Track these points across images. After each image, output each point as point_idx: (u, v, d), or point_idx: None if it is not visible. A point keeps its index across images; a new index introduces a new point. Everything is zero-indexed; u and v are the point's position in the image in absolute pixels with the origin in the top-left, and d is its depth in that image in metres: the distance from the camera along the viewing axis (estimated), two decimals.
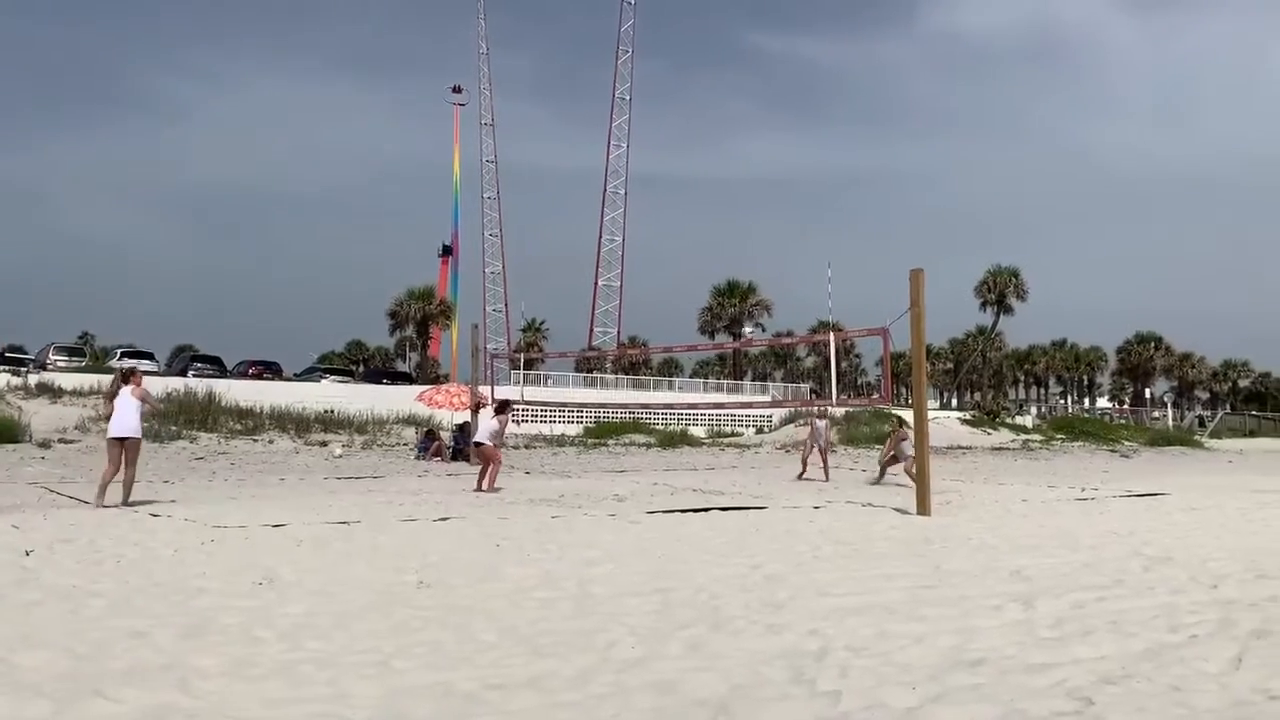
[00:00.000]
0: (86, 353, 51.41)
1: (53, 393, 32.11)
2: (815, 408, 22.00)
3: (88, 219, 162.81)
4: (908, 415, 15.74)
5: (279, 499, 13.20)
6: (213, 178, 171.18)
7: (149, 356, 47.65)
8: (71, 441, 25.64)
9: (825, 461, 19.11)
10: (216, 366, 45.18)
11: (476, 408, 16.26)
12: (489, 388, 18.21)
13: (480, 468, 15.29)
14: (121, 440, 11.64)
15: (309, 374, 50.95)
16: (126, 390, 11.88)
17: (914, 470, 17.10)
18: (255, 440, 28.79)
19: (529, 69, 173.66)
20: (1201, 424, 71.28)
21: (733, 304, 66.79)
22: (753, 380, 75.10)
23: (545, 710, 3.78)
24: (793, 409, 42.47)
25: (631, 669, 4.39)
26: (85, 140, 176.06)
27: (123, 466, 11.57)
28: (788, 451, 33.69)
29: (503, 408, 15.99)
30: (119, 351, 48.84)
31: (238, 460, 23.27)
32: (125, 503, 11.46)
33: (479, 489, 14.65)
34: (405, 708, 3.79)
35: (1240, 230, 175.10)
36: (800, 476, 18.74)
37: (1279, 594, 6.25)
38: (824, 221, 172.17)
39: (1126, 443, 43.81)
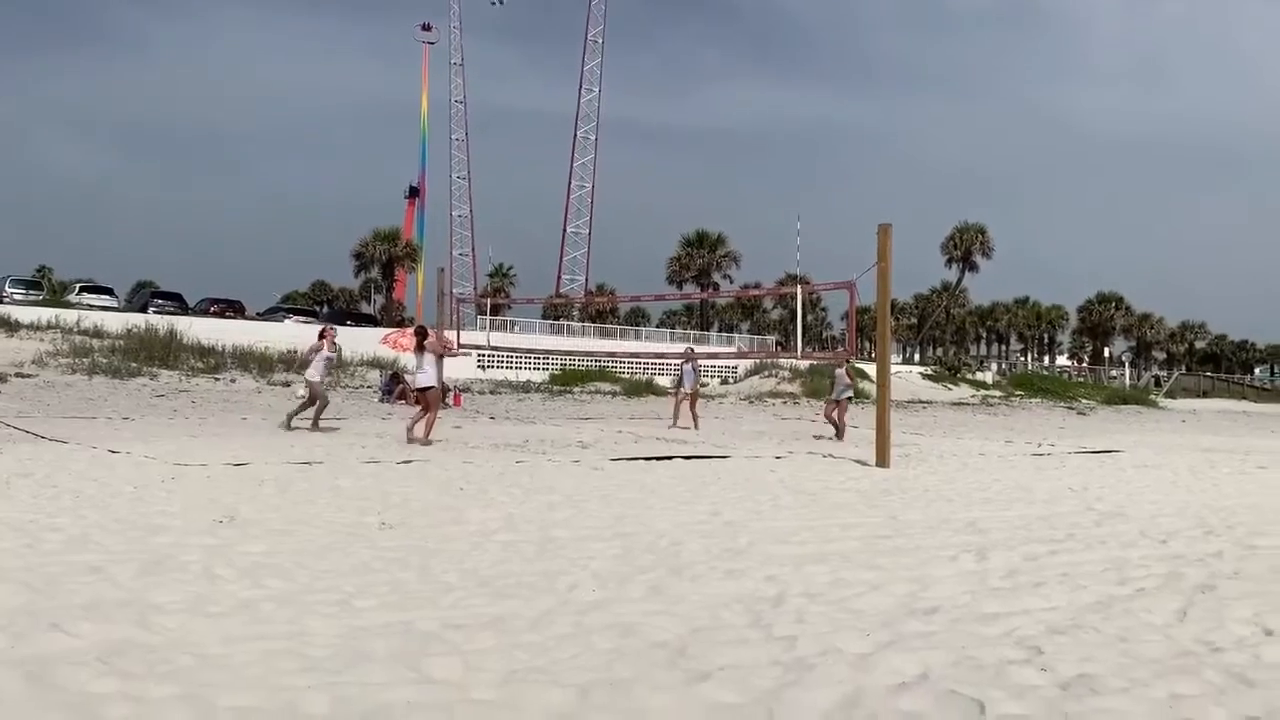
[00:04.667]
0: (44, 286, 50.47)
1: (9, 326, 31.57)
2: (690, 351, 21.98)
3: (46, 152, 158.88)
4: (870, 369, 15.74)
5: (241, 438, 13.11)
6: (176, 112, 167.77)
7: (108, 292, 46.86)
8: (29, 376, 25.25)
9: (694, 410, 19.13)
10: (177, 303, 44.49)
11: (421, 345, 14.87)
12: (454, 332, 17.98)
13: (419, 413, 13.67)
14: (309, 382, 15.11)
15: (272, 314, 50.35)
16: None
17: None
18: (217, 379, 28.51)
19: (499, 8, 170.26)
20: (1157, 384, 72.54)
21: (701, 255, 66.68)
22: (719, 332, 75.20)
23: (506, 651, 3.80)
24: (757, 360, 42.70)
25: (592, 611, 4.43)
26: (43, 71, 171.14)
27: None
28: (751, 402, 33.92)
29: (422, 334, 14.08)
30: (78, 286, 47.98)
31: (199, 399, 23.06)
32: (313, 427, 14.64)
33: (414, 438, 13.10)
34: (365, 646, 3.81)
35: (1204, 193, 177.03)
36: (673, 426, 18.74)
37: (1225, 550, 6.40)
38: (794, 174, 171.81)
39: (1084, 400, 44.51)
